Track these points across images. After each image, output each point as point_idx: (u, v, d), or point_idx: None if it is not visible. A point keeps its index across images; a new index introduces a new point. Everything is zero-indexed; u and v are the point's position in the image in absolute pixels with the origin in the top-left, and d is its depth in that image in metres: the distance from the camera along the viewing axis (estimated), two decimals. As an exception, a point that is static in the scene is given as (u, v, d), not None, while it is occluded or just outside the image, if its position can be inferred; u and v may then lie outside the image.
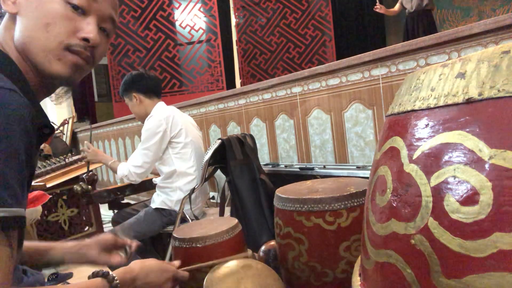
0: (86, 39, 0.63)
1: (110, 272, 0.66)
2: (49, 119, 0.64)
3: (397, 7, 4.19)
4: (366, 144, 2.00)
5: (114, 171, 2.00)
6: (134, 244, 0.91)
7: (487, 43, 1.47)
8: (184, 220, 1.87)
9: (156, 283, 0.72)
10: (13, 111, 0.51)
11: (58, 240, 2.45)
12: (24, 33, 0.60)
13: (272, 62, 5.64)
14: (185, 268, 0.76)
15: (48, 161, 2.66)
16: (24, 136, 0.52)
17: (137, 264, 0.73)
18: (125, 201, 2.46)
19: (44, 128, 0.61)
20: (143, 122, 2.00)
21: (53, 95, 0.74)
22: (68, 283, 1.06)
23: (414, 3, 4.01)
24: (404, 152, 0.34)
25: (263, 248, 0.87)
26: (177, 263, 0.80)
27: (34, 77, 0.63)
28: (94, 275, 0.66)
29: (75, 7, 0.62)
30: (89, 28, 0.63)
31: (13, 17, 0.62)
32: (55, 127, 5.58)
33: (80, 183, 2.14)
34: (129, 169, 1.90)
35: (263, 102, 2.61)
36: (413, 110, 0.35)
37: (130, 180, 1.93)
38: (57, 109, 7.03)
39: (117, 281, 0.65)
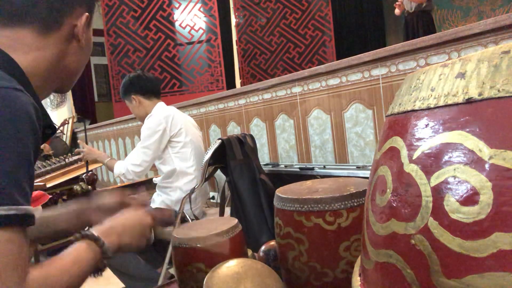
0: None
1: (93, 232, 0.66)
2: (52, 119, 0.66)
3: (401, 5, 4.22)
4: (366, 144, 2.00)
5: (111, 169, 1.99)
6: (147, 203, 0.90)
7: (487, 43, 1.47)
8: (184, 220, 1.87)
9: (135, 220, 0.74)
10: (21, 110, 0.52)
11: (58, 240, 2.45)
12: (80, 63, 0.73)
13: (272, 62, 5.64)
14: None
15: (48, 161, 2.66)
16: (32, 135, 0.53)
17: (117, 218, 0.75)
18: (125, 201, 2.46)
19: (47, 129, 0.63)
20: (143, 123, 2.00)
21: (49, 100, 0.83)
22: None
23: (413, 5, 4.03)
24: (404, 152, 0.34)
25: (263, 248, 0.87)
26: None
27: (48, 86, 0.68)
28: (81, 237, 0.65)
29: None
30: None
31: (68, 43, 0.68)
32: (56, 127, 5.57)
33: (80, 183, 2.14)
34: (127, 167, 1.89)
35: (263, 102, 2.61)
36: (413, 110, 0.35)
37: (128, 179, 1.93)
38: (57, 109, 7.03)
39: (96, 234, 0.65)
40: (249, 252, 0.86)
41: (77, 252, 0.62)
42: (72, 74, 0.73)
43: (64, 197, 2.50)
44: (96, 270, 0.66)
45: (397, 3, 4.14)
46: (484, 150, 0.27)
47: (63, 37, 0.67)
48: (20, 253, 0.50)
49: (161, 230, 0.80)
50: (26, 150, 0.52)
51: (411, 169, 0.32)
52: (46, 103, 7.02)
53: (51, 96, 6.77)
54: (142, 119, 2.06)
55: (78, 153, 2.10)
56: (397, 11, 4.26)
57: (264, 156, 2.67)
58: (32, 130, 0.53)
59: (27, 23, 0.63)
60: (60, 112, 6.89)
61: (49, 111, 7.00)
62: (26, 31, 0.63)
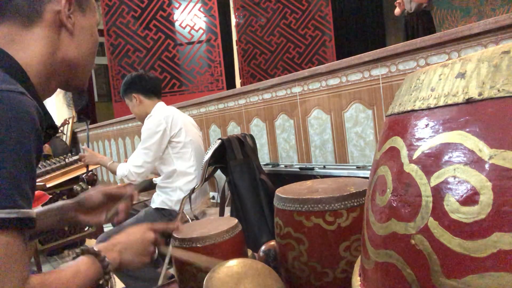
0: None
1: (94, 248, 0.67)
2: (53, 120, 0.65)
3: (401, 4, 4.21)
4: (366, 144, 2.00)
5: (113, 172, 1.99)
6: (134, 196, 0.94)
7: (487, 43, 1.47)
8: (184, 220, 1.87)
9: (138, 239, 0.74)
10: (24, 113, 0.52)
11: (58, 240, 2.45)
12: (79, 54, 0.69)
13: (272, 62, 5.64)
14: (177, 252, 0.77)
15: (48, 161, 2.66)
16: (34, 137, 0.53)
17: (119, 235, 0.75)
18: (125, 201, 2.46)
19: (49, 129, 0.63)
20: (143, 123, 2.00)
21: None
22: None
23: (413, 5, 4.03)
24: (404, 152, 0.34)
25: (263, 248, 0.87)
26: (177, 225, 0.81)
27: (47, 82, 0.66)
28: (82, 252, 0.66)
29: None
30: None
31: (57, 32, 0.65)
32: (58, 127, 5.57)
33: (80, 183, 2.14)
34: (129, 169, 1.89)
35: (263, 102, 2.61)
36: (413, 110, 0.35)
37: (130, 180, 1.93)
38: (57, 109, 7.04)
39: (97, 249, 0.66)
40: (249, 252, 0.86)
41: (77, 265, 0.62)
42: (76, 66, 0.69)
43: (64, 197, 2.50)
44: (100, 286, 0.67)
45: (397, 1, 4.13)
46: (484, 150, 0.27)
47: (48, 26, 0.64)
48: (20, 256, 0.50)
49: (164, 246, 0.80)
50: (28, 153, 0.52)
51: (411, 169, 0.32)
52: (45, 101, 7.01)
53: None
54: (141, 119, 2.06)
55: (81, 157, 2.09)
56: (397, 11, 4.25)
57: (264, 156, 2.67)
58: (35, 133, 0.53)
59: (9, 18, 0.61)
60: (60, 112, 6.89)
61: (51, 106, 6.99)
62: (10, 26, 0.61)
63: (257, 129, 2.70)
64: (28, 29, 0.62)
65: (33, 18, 0.62)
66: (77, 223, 0.90)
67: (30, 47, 0.62)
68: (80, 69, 0.70)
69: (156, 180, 2.08)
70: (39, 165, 2.52)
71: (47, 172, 2.51)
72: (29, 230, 0.52)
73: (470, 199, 0.27)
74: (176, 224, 0.82)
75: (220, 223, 0.81)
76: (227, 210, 2.00)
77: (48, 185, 2.29)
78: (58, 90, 0.73)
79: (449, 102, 0.31)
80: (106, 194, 0.90)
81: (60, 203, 0.88)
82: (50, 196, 2.14)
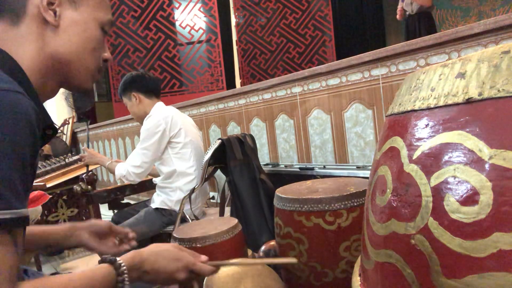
0: (106, 60, 0.73)
1: (117, 258, 0.62)
2: (52, 120, 0.65)
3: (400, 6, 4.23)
4: (366, 144, 2.00)
5: (112, 172, 1.99)
6: (131, 235, 0.92)
7: (487, 43, 1.47)
8: (184, 220, 1.87)
9: (166, 271, 0.67)
10: (20, 113, 0.51)
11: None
12: (70, 50, 0.65)
13: (272, 62, 5.64)
14: (210, 262, 0.68)
15: (48, 161, 2.66)
16: (30, 138, 0.53)
17: (149, 248, 0.69)
18: (125, 201, 2.46)
19: (47, 129, 0.62)
20: (141, 123, 2.00)
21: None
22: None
23: (414, 7, 4.04)
24: (404, 152, 0.34)
25: (263, 248, 0.87)
26: (203, 258, 0.69)
27: (43, 81, 0.64)
28: (101, 261, 0.63)
29: (105, 33, 0.71)
30: (106, 49, 0.73)
31: (42, 26, 0.63)
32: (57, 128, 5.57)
33: (80, 183, 2.14)
34: (127, 169, 1.89)
35: (263, 102, 2.61)
36: (413, 110, 0.35)
37: (129, 180, 1.93)
38: (57, 109, 7.04)
39: (124, 267, 0.61)
40: (249, 252, 0.86)
41: (92, 275, 0.58)
42: (68, 63, 0.66)
43: (64, 197, 2.50)
44: None
45: (399, 10, 4.15)
46: (484, 150, 0.27)
47: (33, 21, 0.62)
48: (12, 255, 0.49)
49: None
50: (22, 154, 0.51)
51: (411, 169, 0.32)
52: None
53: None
54: (140, 118, 2.05)
55: (81, 158, 2.10)
56: (398, 17, 4.27)
57: (264, 156, 2.67)
58: (31, 133, 0.53)
59: (2, 16, 0.61)
60: (60, 112, 6.89)
61: (51, 106, 6.99)
62: (3, 25, 0.61)
63: (257, 129, 2.70)
64: (17, 26, 0.62)
65: (19, 14, 0.61)
66: (81, 245, 0.89)
67: (20, 45, 0.61)
68: (74, 67, 0.67)
69: (156, 180, 2.08)
70: (39, 165, 2.52)
71: (47, 172, 2.51)
72: (23, 228, 0.52)
73: (470, 199, 0.27)
74: (209, 269, 0.69)
75: (220, 223, 0.81)
76: (227, 210, 2.00)
77: (48, 185, 2.29)
78: (60, 90, 0.72)
79: (449, 102, 0.31)
80: (111, 227, 0.92)
81: (72, 224, 0.89)
82: (50, 196, 2.14)
